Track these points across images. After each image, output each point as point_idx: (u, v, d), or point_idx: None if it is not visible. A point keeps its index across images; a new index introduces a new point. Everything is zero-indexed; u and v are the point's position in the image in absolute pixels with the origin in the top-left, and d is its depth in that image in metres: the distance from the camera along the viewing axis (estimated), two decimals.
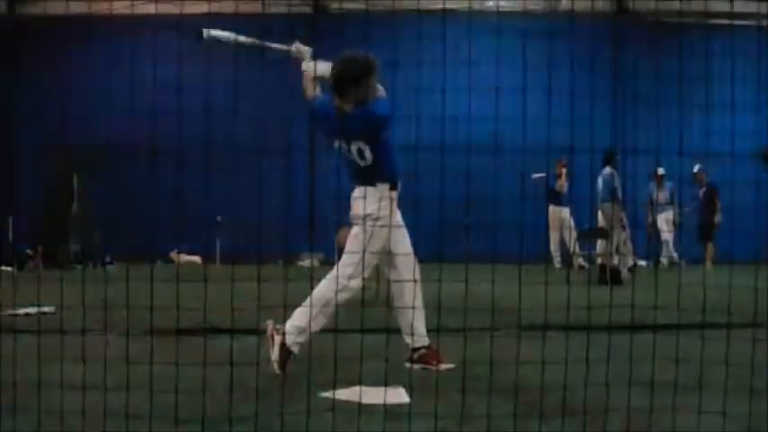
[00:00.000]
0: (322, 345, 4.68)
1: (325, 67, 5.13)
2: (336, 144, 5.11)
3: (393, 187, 5.10)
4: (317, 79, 5.15)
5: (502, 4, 19.74)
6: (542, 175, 15.81)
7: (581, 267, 15.98)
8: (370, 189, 5.02)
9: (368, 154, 5.00)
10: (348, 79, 4.96)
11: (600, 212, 15.08)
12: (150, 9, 14.52)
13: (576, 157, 15.57)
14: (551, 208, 17.17)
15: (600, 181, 14.15)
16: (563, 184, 17.00)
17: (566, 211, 17.06)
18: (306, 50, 5.26)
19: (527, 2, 19.41)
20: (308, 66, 5.22)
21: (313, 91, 5.24)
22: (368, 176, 5.04)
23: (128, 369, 3.84)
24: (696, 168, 17.25)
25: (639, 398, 3.76)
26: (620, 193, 14.06)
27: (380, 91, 5.05)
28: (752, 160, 18.74)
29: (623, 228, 13.63)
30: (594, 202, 14.99)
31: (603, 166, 14.31)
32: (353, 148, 5.01)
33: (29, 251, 17.18)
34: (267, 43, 5.23)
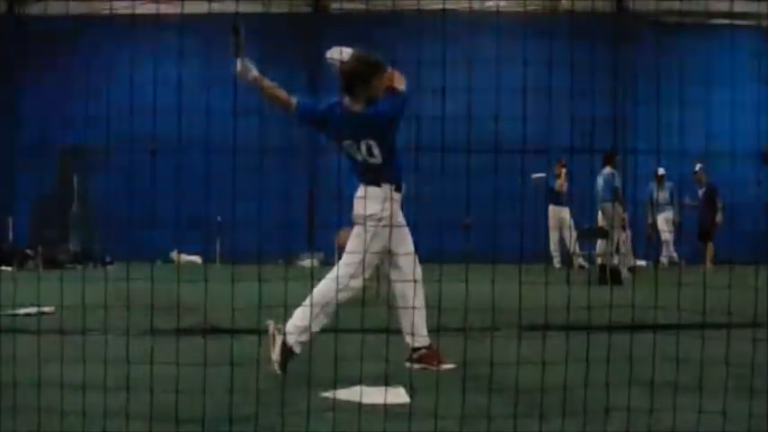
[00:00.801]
0: (322, 345, 4.69)
1: (344, 52, 5.08)
2: (344, 144, 5.10)
3: (398, 188, 5.10)
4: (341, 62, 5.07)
5: (502, 4, 19.74)
6: (542, 175, 15.80)
7: (581, 267, 15.98)
8: (374, 189, 5.02)
9: (376, 151, 5.00)
10: (358, 78, 4.97)
11: (600, 212, 15.07)
12: (150, 9, 14.53)
13: (576, 156, 15.54)
14: (551, 208, 17.17)
15: (601, 181, 14.10)
16: (562, 184, 16.99)
17: (565, 211, 17.04)
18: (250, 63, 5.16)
19: (527, 2, 19.41)
20: (257, 76, 5.11)
21: (287, 97, 5.18)
22: (374, 175, 5.04)
23: (128, 369, 3.84)
24: (697, 167, 17.24)
25: (639, 398, 3.76)
26: (621, 193, 14.03)
27: (401, 81, 5.03)
28: (752, 160, 18.75)
29: (624, 228, 13.63)
30: (594, 201, 14.98)
31: (603, 165, 14.27)
32: (363, 146, 5.00)
33: (29, 251, 17.17)
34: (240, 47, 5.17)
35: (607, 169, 14.02)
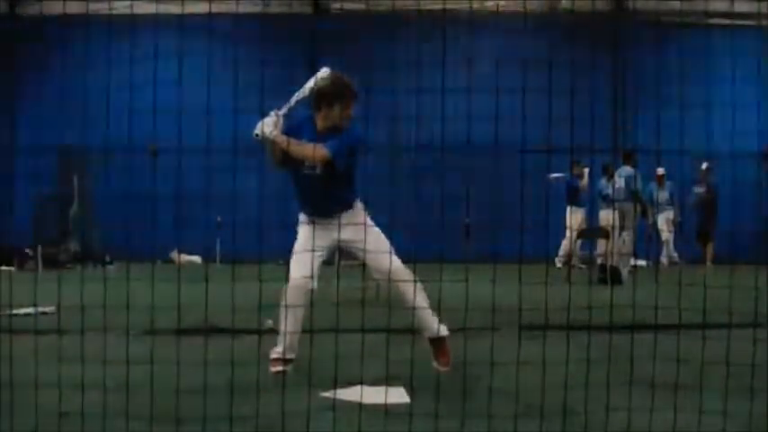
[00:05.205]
0: (322, 345, 4.69)
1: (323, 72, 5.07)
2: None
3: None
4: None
5: (502, 4, 19.72)
6: (561, 175, 15.61)
7: (579, 268, 15.89)
8: None
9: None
10: (322, 97, 4.98)
11: (602, 212, 15.06)
12: (150, 9, 14.53)
13: (576, 156, 15.39)
14: (572, 208, 16.78)
15: (621, 181, 13.85)
16: (586, 185, 16.71)
17: (582, 212, 16.81)
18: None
19: (527, 2, 19.39)
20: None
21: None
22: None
23: (128, 369, 3.84)
24: (704, 166, 17.20)
25: (639, 398, 3.76)
26: (641, 193, 13.90)
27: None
28: (753, 160, 18.77)
29: (632, 228, 13.62)
30: (595, 201, 14.93)
31: (616, 165, 14.04)
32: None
33: (29, 251, 17.16)
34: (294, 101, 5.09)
35: (627, 169, 13.80)
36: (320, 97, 5.00)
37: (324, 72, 5.07)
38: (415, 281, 4.95)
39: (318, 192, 5.02)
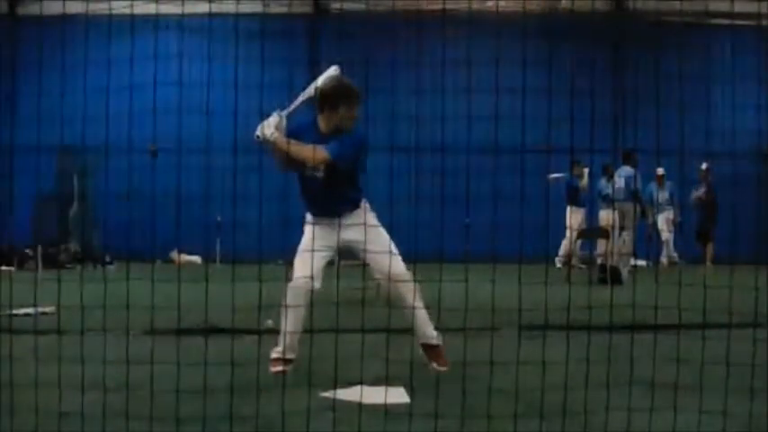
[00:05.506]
0: (322, 345, 4.69)
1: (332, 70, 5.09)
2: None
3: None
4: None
5: (502, 4, 19.71)
6: (561, 175, 15.58)
7: (579, 268, 15.87)
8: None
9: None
10: (326, 100, 4.97)
11: (602, 212, 15.04)
12: (150, 9, 14.51)
13: (576, 156, 15.38)
14: (572, 208, 16.73)
15: (621, 181, 13.80)
16: (586, 185, 16.66)
17: (582, 212, 16.76)
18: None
19: (527, 2, 19.39)
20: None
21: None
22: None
23: (128, 369, 3.84)
24: (704, 166, 17.19)
25: (639, 398, 3.76)
26: (641, 194, 13.86)
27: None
28: (753, 160, 18.75)
29: (632, 228, 13.61)
30: (595, 201, 14.90)
31: (616, 165, 14.02)
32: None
33: (29, 251, 17.16)
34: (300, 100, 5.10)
35: (627, 169, 13.74)
36: (324, 99, 4.99)
37: (333, 70, 5.06)
38: (414, 283, 4.95)
39: (323, 193, 5.02)
